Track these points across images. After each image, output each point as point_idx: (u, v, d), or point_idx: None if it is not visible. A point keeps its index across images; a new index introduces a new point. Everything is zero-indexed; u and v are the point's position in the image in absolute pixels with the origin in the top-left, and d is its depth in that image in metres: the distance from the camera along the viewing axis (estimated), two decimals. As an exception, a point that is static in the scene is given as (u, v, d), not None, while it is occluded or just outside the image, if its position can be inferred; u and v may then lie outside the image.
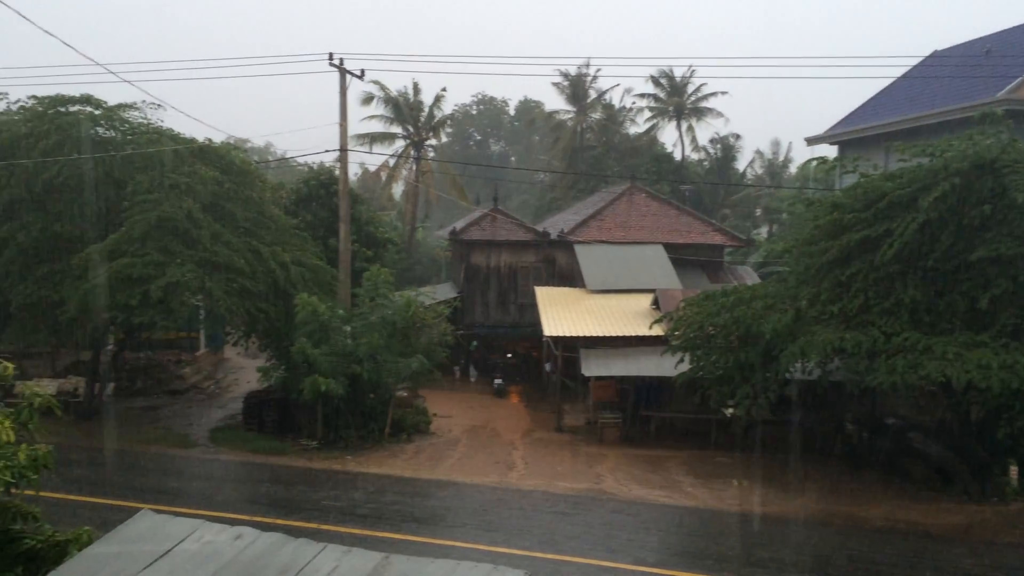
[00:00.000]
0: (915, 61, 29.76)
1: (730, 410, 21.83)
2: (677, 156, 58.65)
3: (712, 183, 56.79)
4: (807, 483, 20.06)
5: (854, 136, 28.09)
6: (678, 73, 57.05)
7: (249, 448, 22.27)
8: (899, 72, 30.48)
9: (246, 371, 32.15)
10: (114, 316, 21.29)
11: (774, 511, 17.96)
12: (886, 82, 30.46)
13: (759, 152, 64.31)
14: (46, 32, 18.37)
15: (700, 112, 57.73)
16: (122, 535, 5.91)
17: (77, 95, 24.16)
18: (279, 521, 15.79)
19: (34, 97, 24.29)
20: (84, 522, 7.93)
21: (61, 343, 27.28)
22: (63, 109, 23.71)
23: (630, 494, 18.99)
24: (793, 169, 61.84)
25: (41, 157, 21.80)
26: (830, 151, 30.24)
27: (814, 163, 25.25)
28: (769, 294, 20.17)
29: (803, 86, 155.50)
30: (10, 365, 7.62)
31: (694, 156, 60.53)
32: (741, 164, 61.92)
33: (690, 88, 57.44)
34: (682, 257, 32.13)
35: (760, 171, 63.95)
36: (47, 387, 23.17)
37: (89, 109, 24.02)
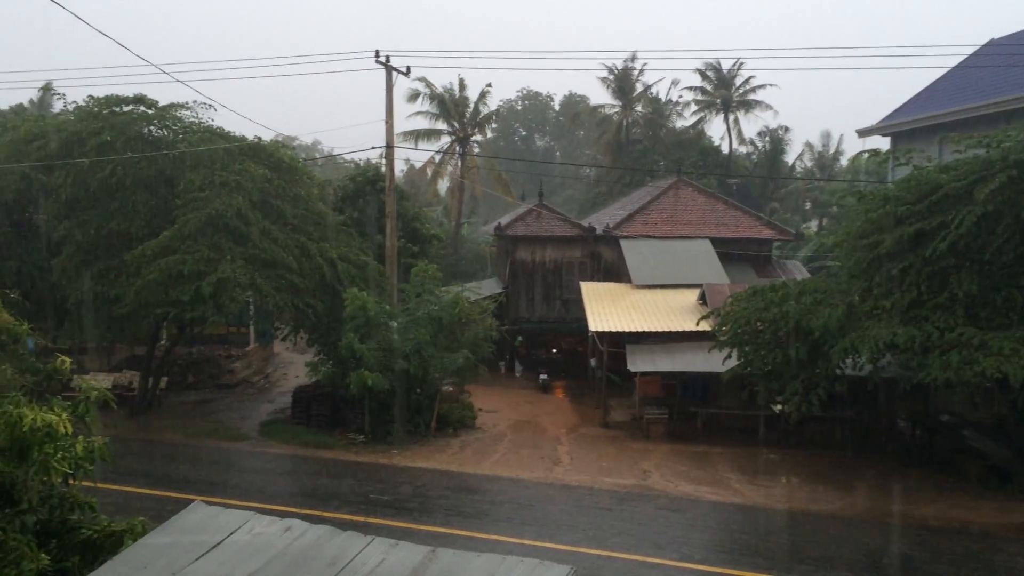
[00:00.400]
0: (971, 50, 28.96)
1: (779, 406, 21.54)
2: (724, 149, 58.02)
3: (760, 176, 56.05)
4: (858, 481, 19.72)
5: (907, 127, 27.44)
6: (726, 66, 56.47)
7: (298, 442, 22.58)
8: (954, 61, 29.77)
9: (295, 366, 32.60)
10: (166, 312, 21.68)
11: (824, 509, 17.69)
12: (941, 71, 29.72)
13: (809, 144, 63.32)
14: (101, 33, 18.82)
15: (748, 105, 57.00)
16: (175, 526, 6.04)
17: (130, 95, 24.64)
18: (327, 514, 15.98)
19: (90, 97, 24.84)
20: (138, 513, 8.10)
21: (116, 338, 27.91)
22: (117, 109, 24.19)
23: (676, 490, 18.85)
24: (844, 162, 60.77)
25: (95, 156, 22.30)
26: (882, 143, 29.57)
27: (866, 155, 24.76)
28: (819, 289, 19.84)
29: (856, 77, 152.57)
30: (67, 360, 7.83)
31: (742, 149, 59.84)
32: (790, 157, 61.07)
33: (738, 81, 56.77)
34: (729, 252, 31.78)
35: (810, 164, 62.93)
36: (103, 381, 23.85)
37: (142, 109, 24.46)
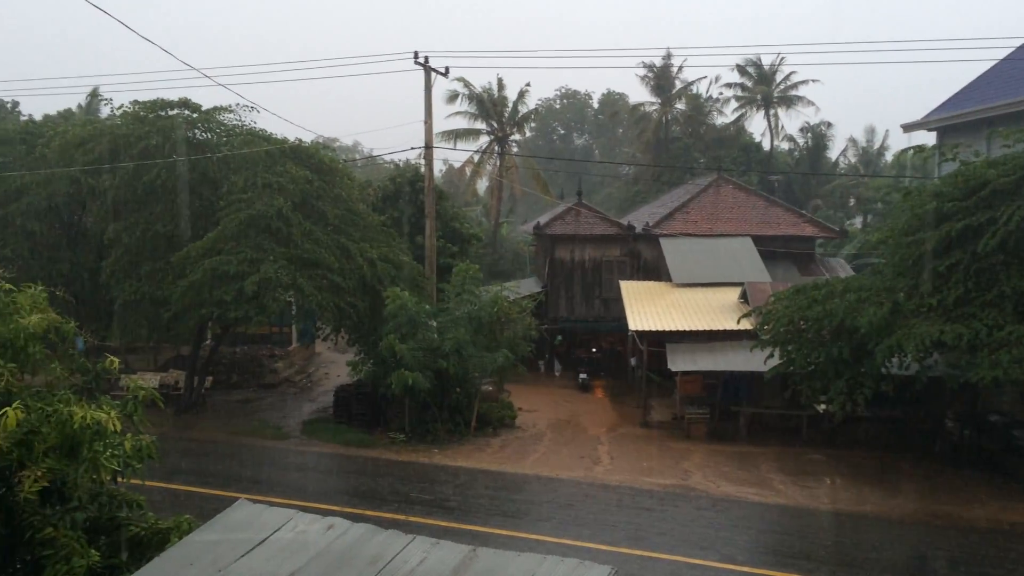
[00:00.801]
0: (1019, 42, 28.27)
1: (823, 406, 21.24)
2: (766, 146, 57.35)
3: (803, 173, 55.30)
4: (905, 482, 19.37)
5: (954, 122, 26.86)
6: (766, 61, 55.79)
7: (339, 440, 22.79)
8: (1003, 53, 28.98)
9: (336, 365, 32.92)
10: (211, 311, 22.00)
11: (870, 510, 17.40)
12: (989, 64, 29.04)
13: (852, 140, 62.36)
14: (147, 40, 19.18)
15: (789, 100, 56.27)
16: (220, 523, 6.13)
17: (175, 99, 25.09)
18: (368, 512, 16.11)
19: (135, 102, 25.31)
20: (184, 510, 8.24)
21: (162, 338, 28.43)
22: (162, 113, 24.65)
23: (719, 490, 18.69)
24: (889, 157, 59.71)
25: (141, 160, 22.73)
26: (928, 138, 28.98)
27: (911, 151, 24.28)
28: (864, 286, 19.50)
29: (901, 71, 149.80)
30: (115, 359, 7.98)
31: (783, 146, 59.07)
32: (833, 153, 60.13)
33: (779, 76, 56.05)
34: (771, 249, 31.40)
35: (854, 160, 61.92)
36: (150, 380, 24.29)
37: (187, 112, 24.90)
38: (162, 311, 22.55)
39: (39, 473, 6.36)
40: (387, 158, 60.81)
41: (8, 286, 7.97)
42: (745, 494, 18.48)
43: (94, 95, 47.76)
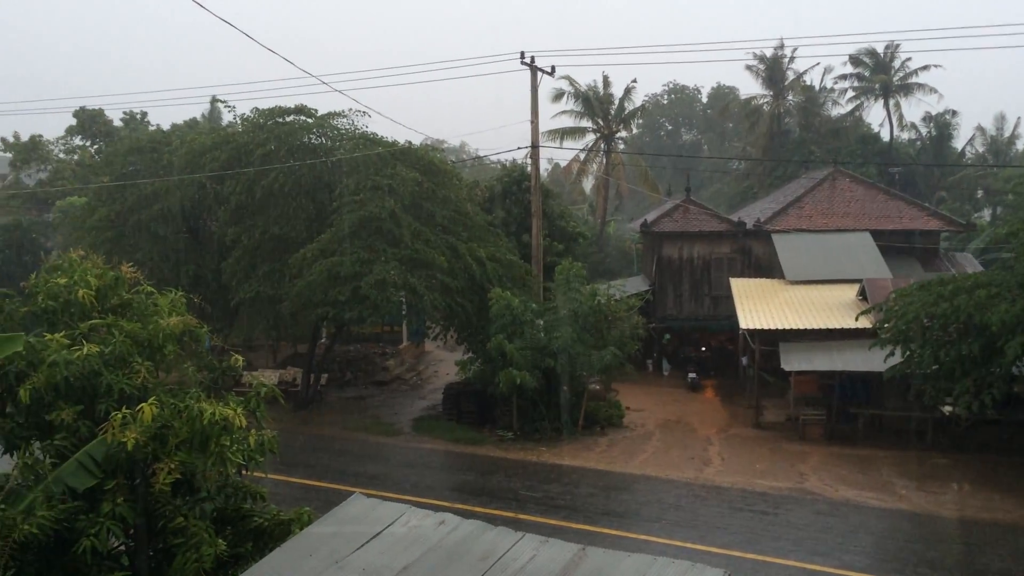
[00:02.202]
0: None
1: (948, 408, 20.25)
2: (885, 137, 54.96)
3: (926, 164, 52.72)
4: (1040, 490, 18.26)
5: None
6: (881, 49, 53.46)
7: (449, 437, 23.16)
8: None
9: (445, 363, 33.46)
10: (326, 311, 22.68)
11: (1001, 518, 16.49)
12: None
13: (980, 128, 58.82)
14: (268, 50, 19.98)
15: (909, 89, 53.74)
16: (338, 516, 6.34)
17: (292, 106, 26.01)
18: (477, 509, 16.32)
19: (255, 109, 26.41)
20: (301, 502, 8.55)
21: (280, 337, 29.51)
22: (280, 120, 25.60)
23: (836, 495, 18.07)
24: (1021, 146, 56.25)
25: (260, 165, 23.68)
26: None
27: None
28: (994, 282, 18.48)
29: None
30: (240, 358, 8.36)
31: (904, 136, 56.44)
32: (959, 142, 57.01)
33: (896, 63, 53.63)
34: (892, 245, 30.11)
35: (982, 149, 58.53)
36: (269, 378, 25.29)
37: (303, 118, 25.79)
38: (279, 310, 23.39)
39: (172, 465, 6.73)
40: (494, 158, 61.34)
41: (149, 288, 8.45)
42: (865, 498, 17.81)
43: (215, 103, 50.04)
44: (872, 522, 16.61)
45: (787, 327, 24.04)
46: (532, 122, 25.68)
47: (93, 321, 7.82)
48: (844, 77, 55.74)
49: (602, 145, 47.64)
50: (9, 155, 43.36)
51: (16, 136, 42.29)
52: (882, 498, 17.86)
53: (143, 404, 6.79)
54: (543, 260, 26.80)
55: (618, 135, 49.04)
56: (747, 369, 28.37)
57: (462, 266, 23.58)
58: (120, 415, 6.74)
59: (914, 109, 61.80)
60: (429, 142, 39.37)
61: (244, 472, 7.67)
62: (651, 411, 26.11)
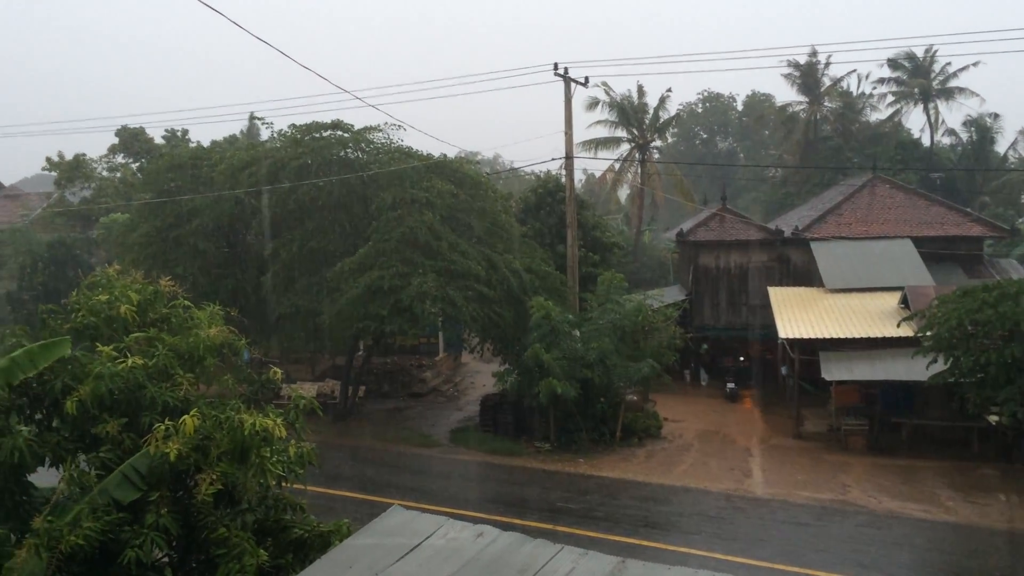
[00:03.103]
0: None
1: (994, 416, 19.81)
2: (925, 142, 54.13)
3: (967, 169, 51.79)
4: (1093, 502, 17.77)
5: None
6: (920, 52, 52.72)
7: (485, 449, 23.15)
8: None
9: (481, 375, 33.48)
10: (368, 325, 22.82)
11: (1052, 532, 16.07)
12: None
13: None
14: (303, 67, 20.30)
15: (949, 92, 52.93)
16: (376, 529, 6.35)
17: (328, 121, 26.31)
18: (515, 520, 16.28)
19: (292, 125, 26.74)
20: (340, 514, 8.60)
21: (319, 349, 29.72)
22: (316, 135, 25.89)
23: (880, 506, 17.74)
24: (1067, 149, 55.01)
25: (296, 180, 23.95)
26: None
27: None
28: (1041, 288, 18.11)
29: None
30: (279, 371, 8.45)
31: (945, 141, 55.56)
32: (1002, 146, 55.94)
33: (935, 67, 52.83)
34: (934, 251, 29.61)
35: (1025, 153, 57.38)
36: (308, 390, 25.44)
37: (339, 133, 26.05)
38: (318, 323, 23.59)
39: (214, 476, 6.81)
40: (528, 169, 61.48)
41: (187, 303, 8.59)
42: (910, 510, 17.47)
43: (254, 119, 50.70)
44: (917, 534, 16.29)
45: (827, 336, 23.72)
46: (566, 133, 25.69)
47: (137, 334, 7.96)
48: (882, 81, 55.11)
49: (637, 155, 47.49)
50: (54, 174, 44.29)
51: (60, 155, 43.20)
52: (927, 510, 17.51)
53: (185, 416, 6.89)
54: (579, 270, 26.74)
55: (653, 144, 48.88)
56: (786, 379, 28.02)
57: (499, 277, 23.63)
58: (163, 427, 6.85)
59: (955, 114, 60.83)
60: (463, 154, 39.47)
61: (284, 484, 7.73)
62: (689, 422, 25.89)
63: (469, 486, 20.93)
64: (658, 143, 50.97)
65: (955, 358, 18.83)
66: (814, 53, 54.21)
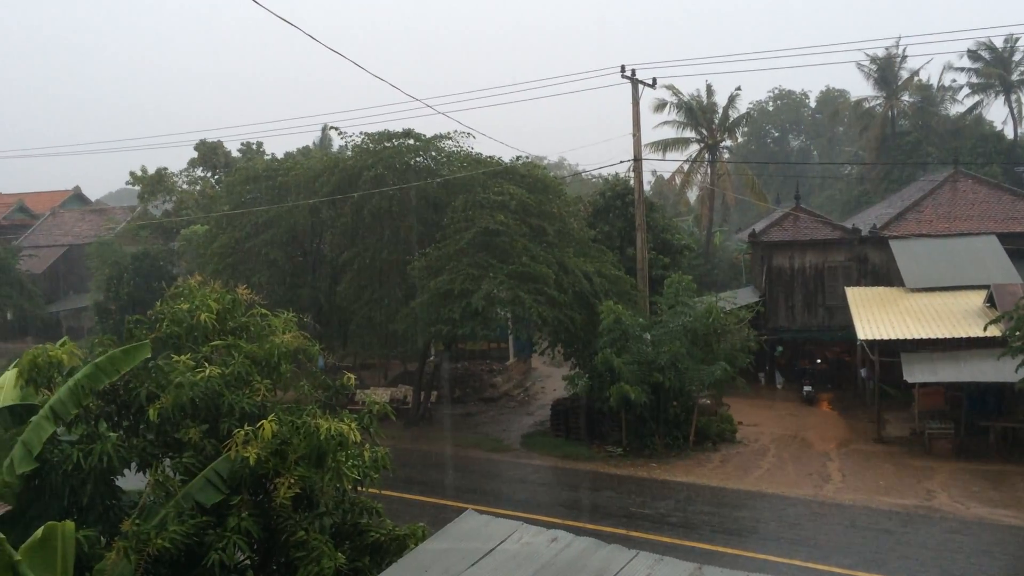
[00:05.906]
0: None
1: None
2: (1009, 134, 52.07)
3: (1056, 161, 49.65)
4: None
5: None
6: (1000, 43, 50.72)
7: (557, 453, 23.10)
8: None
9: (552, 379, 33.42)
10: (441, 329, 23.02)
11: None
12: None
13: (1116, 120, 55.06)
14: (376, 77, 20.63)
15: (1031, 83, 50.82)
16: (451, 533, 6.41)
17: (399, 130, 26.67)
18: (588, 525, 16.18)
19: (364, 134, 27.20)
20: (415, 518, 8.68)
21: (391, 355, 30.09)
22: (388, 144, 26.26)
23: (968, 512, 17.10)
24: None
25: (369, 189, 24.33)
26: None
27: None
28: None
29: None
30: (352, 376, 8.59)
31: (1029, 133, 53.35)
32: (1094, 136, 53.46)
33: (1017, 57, 50.76)
34: (1021, 248, 28.43)
35: (1123, 142, 54.68)
36: (381, 395, 25.81)
37: (410, 142, 26.39)
38: (391, 329, 23.89)
39: (292, 480, 6.96)
40: (595, 173, 61.18)
41: (263, 311, 8.81)
42: (1000, 517, 16.79)
43: (326, 130, 51.68)
44: (1008, 541, 15.66)
45: (908, 337, 22.99)
46: (634, 135, 25.51)
47: (214, 343, 8.19)
48: (962, 70, 53.21)
49: (706, 155, 46.82)
50: (138, 188, 45.96)
51: (143, 170, 44.81)
52: (1018, 516, 16.80)
53: (263, 421, 7.06)
54: (648, 273, 26.49)
55: (722, 144, 48.11)
56: (866, 381, 27.24)
57: (570, 280, 23.56)
58: (242, 432, 7.03)
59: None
60: (530, 159, 39.51)
61: (360, 488, 7.84)
62: (765, 425, 25.37)
63: (541, 491, 20.90)
64: (728, 143, 50.09)
65: (1047, 358, 18.06)
66: (896, 45, 52.63)
